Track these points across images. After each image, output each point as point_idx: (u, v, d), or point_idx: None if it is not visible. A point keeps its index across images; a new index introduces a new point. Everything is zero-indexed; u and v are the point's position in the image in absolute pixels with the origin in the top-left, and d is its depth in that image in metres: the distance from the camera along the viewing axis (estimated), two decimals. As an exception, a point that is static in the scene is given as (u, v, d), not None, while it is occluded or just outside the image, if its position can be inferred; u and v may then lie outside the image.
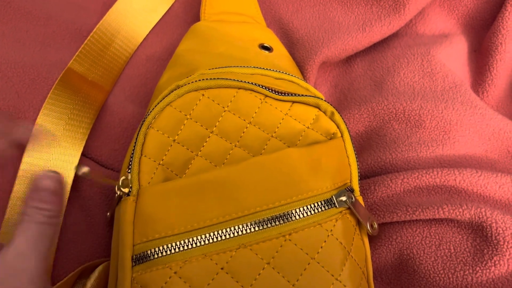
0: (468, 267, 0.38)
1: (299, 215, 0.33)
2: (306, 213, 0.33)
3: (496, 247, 0.37)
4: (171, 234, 0.32)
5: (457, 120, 0.45)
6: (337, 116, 0.38)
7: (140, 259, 0.32)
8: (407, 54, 0.51)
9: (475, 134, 0.46)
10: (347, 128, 0.38)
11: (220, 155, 0.35)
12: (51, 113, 0.45)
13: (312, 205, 0.34)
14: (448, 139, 0.45)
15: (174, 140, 0.35)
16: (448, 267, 0.38)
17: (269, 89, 0.37)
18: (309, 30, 0.54)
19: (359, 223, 0.37)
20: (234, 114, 0.36)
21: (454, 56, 0.52)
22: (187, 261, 0.31)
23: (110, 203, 0.45)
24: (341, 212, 0.35)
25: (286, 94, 0.37)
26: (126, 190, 0.34)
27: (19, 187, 0.43)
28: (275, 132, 0.36)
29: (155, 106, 0.35)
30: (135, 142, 0.35)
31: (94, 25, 0.54)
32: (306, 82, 0.47)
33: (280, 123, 0.36)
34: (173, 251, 0.32)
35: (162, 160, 0.34)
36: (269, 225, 0.33)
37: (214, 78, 0.36)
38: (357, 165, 0.38)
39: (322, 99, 0.38)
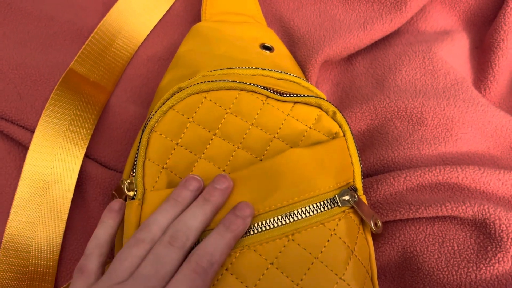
0: (471, 264, 0.38)
1: (302, 215, 0.33)
2: (309, 213, 0.34)
3: (499, 244, 0.37)
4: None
5: (459, 117, 0.45)
6: (339, 116, 0.38)
7: (144, 261, 0.32)
8: (409, 51, 0.51)
9: (478, 131, 0.46)
10: (350, 127, 0.38)
11: (223, 157, 0.35)
12: (54, 114, 0.45)
13: (315, 205, 0.34)
14: (450, 137, 0.45)
15: (177, 144, 0.35)
16: (451, 264, 0.38)
17: (271, 90, 0.37)
18: (310, 29, 0.54)
19: (362, 222, 0.37)
20: (236, 116, 0.36)
21: (455, 53, 0.52)
22: None
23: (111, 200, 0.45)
24: (344, 211, 0.35)
25: (288, 95, 0.37)
26: (131, 193, 0.34)
27: (23, 188, 0.43)
28: (277, 133, 0.36)
29: (158, 109, 0.35)
30: (138, 146, 0.35)
31: (94, 25, 0.54)
32: (308, 81, 0.47)
33: (282, 124, 0.36)
34: (177, 253, 0.32)
35: (166, 163, 0.35)
36: (272, 226, 0.33)
37: (216, 80, 0.36)
38: (360, 164, 0.38)
39: (324, 99, 0.38)
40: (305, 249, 0.33)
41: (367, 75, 0.52)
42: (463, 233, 0.39)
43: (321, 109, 0.38)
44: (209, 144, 0.35)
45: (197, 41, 0.46)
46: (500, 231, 0.37)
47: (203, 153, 0.35)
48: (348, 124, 0.38)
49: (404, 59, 0.50)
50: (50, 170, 0.44)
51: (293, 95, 0.37)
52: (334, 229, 0.34)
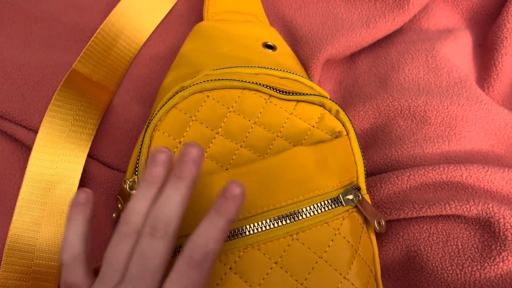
0: (476, 263, 0.37)
1: (306, 214, 0.33)
2: (313, 212, 0.34)
3: (504, 242, 0.37)
4: (178, 236, 0.32)
5: (462, 115, 0.45)
6: (342, 114, 0.37)
7: (148, 260, 0.32)
8: (412, 50, 0.51)
9: (481, 129, 0.46)
10: (353, 126, 0.38)
11: (226, 156, 0.35)
12: (57, 114, 0.46)
13: (319, 204, 0.34)
14: (454, 135, 0.45)
15: (180, 142, 0.35)
16: (456, 263, 0.38)
17: (273, 89, 0.37)
18: (312, 27, 0.54)
19: (366, 221, 0.37)
20: (239, 114, 0.36)
21: (458, 51, 0.51)
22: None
23: (116, 204, 0.45)
24: (348, 210, 0.35)
25: (291, 94, 0.37)
26: (133, 192, 0.34)
27: (26, 188, 0.43)
28: (280, 132, 0.36)
29: (160, 108, 0.35)
30: (141, 145, 0.35)
31: (97, 25, 0.54)
32: (311, 80, 0.47)
33: (285, 123, 0.36)
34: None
35: None
36: (276, 225, 0.33)
37: (219, 79, 0.36)
38: (363, 162, 0.38)
39: (327, 97, 0.38)
40: (309, 248, 0.32)
41: (370, 74, 0.52)
42: (467, 232, 0.39)
43: (324, 107, 0.38)
44: (212, 142, 0.35)
45: (200, 40, 0.46)
46: (504, 230, 0.37)
47: (206, 152, 0.35)
48: (351, 123, 0.38)
49: (407, 58, 0.50)
50: (54, 171, 0.44)
51: (296, 93, 0.37)
52: (338, 229, 0.34)
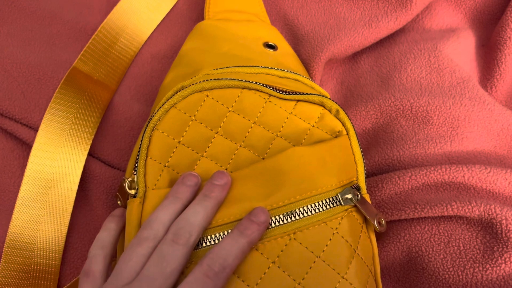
0: (478, 265, 0.37)
1: (303, 214, 0.33)
2: (311, 211, 0.33)
3: (506, 244, 0.36)
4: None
5: (465, 116, 0.45)
6: (342, 114, 0.37)
7: (145, 259, 0.32)
8: (414, 49, 0.50)
9: (484, 130, 0.45)
10: (353, 126, 0.38)
11: (225, 155, 0.35)
12: (57, 112, 0.46)
13: (317, 204, 0.34)
14: (456, 135, 0.45)
15: (179, 142, 0.35)
16: (457, 265, 0.38)
17: (273, 88, 0.36)
18: (314, 27, 0.53)
19: (366, 220, 0.36)
20: (238, 114, 0.36)
21: (461, 51, 0.51)
22: (193, 263, 0.32)
23: (116, 202, 0.45)
24: (346, 210, 0.35)
25: (291, 93, 0.36)
26: (132, 192, 0.34)
27: (26, 187, 0.43)
28: (280, 132, 0.36)
29: (160, 108, 0.35)
30: (140, 144, 0.35)
31: (98, 23, 0.54)
32: (312, 79, 0.47)
33: (285, 122, 0.36)
34: (178, 251, 0.32)
35: (168, 162, 0.34)
36: (273, 225, 0.33)
37: (218, 79, 0.36)
38: (364, 162, 0.38)
39: (326, 97, 0.38)
40: (307, 248, 0.32)
41: (372, 74, 0.52)
42: (469, 233, 0.39)
43: (324, 107, 0.37)
44: (211, 142, 0.35)
45: (200, 39, 0.46)
46: (506, 231, 0.37)
47: (205, 152, 0.35)
48: (352, 122, 0.38)
49: (409, 57, 0.50)
50: (54, 169, 0.44)
51: (296, 93, 0.37)
52: (337, 228, 0.33)
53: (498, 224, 0.37)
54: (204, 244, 0.32)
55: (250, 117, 0.36)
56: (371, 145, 0.48)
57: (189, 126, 0.35)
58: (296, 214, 0.33)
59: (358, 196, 0.35)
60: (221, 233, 0.32)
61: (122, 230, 0.37)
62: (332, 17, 0.54)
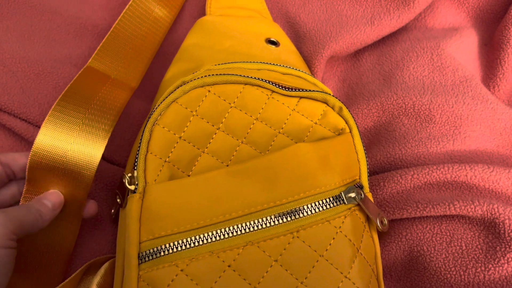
0: (480, 264, 0.37)
1: (307, 212, 0.33)
2: (314, 209, 0.33)
3: (509, 244, 0.36)
4: (177, 231, 0.32)
5: (467, 114, 0.44)
6: (345, 111, 0.37)
7: (146, 256, 0.31)
8: (417, 47, 0.50)
9: (486, 129, 0.45)
10: (356, 124, 0.37)
11: (227, 152, 0.35)
12: (62, 115, 0.44)
13: (321, 202, 0.33)
14: (458, 134, 0.44)
15: (180, 137, 0.34)
16: (459, 264, 0.38)
17: (276, 85, 0.36)
18: (316, 24, 0.53)
19: (368, 219, 0.36)
20: (240, 110, 0.35)
21: (464, 49, 0.51)
22: (193, 259, 0.31)
23: (115, 200, 0.45)
24: (350, 208, 0.34)
25: (293, 90, 0.36)
26: (132, 187, 0.34)
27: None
28: (282, 128, 0.36)
29: (161, 103, 0.35)
30: (140, 139, 0.34)
31: (98, 19, 0.53)
32: (314, 77, 0.47)
33: (287, 119, 0.36)
34: (179, 248, 0.31)
35: (168, 157, 0.34)
36: (276, 222, 0.32)
37: (220, 74, 0.36)
38: (366, 161, 0.38)
39: (330, 94, 0.37)
40: (310, 246, 0.32)
41: (374, 72, 0.51)
42: (472, 233, 0.39)
43: (327, 104, 0.37)
44: (212, 138, 0.35)
45: (202, 35, 0.46)
46: (509, 231, 0.36)
47: (206, 147, 0.35)
48: (355, 120, 0.38)
49: (412, 56, 0.50)
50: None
51: (299, 90, 0.36)
52: (340, 227, 0.33)
53: (501, 223, 0.37)
54: (201, 242, 0.32)
55: (252, 113, 0.36)
56: (373, 144, 0.48)
57: (190, 121, 0.35)
58: (299, 212, 0.33)
59: (361, 195, 0.35)
60: (218, 231, 0.32)
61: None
62: (334, 14, 0.54)
